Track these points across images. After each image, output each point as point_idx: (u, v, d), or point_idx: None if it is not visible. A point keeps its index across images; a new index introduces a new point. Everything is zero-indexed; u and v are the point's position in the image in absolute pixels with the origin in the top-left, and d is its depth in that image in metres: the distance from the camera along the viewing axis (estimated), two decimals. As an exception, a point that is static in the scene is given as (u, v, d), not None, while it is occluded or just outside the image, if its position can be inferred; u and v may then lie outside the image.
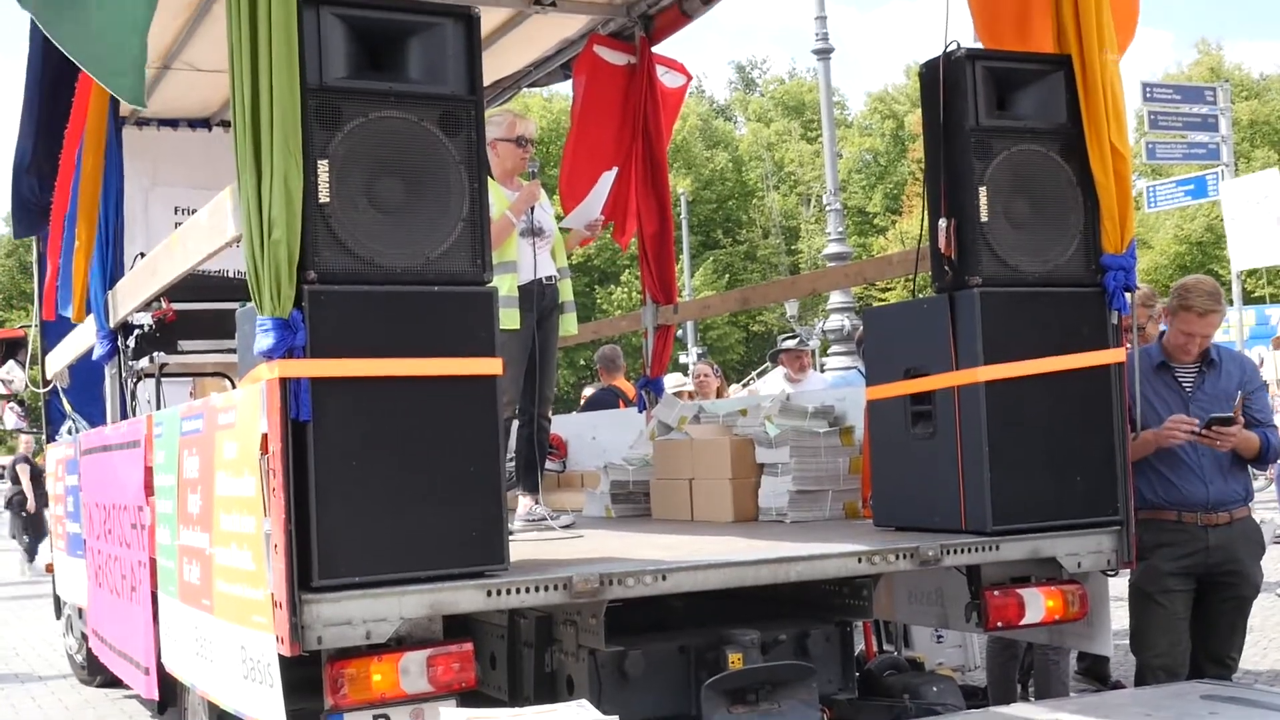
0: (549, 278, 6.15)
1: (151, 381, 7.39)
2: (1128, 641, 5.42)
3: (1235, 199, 11.13)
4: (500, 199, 5.72)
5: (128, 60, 3.92)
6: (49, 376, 8.52)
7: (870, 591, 4.81)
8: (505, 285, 5.56)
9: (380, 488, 3.80)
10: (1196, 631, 5.37)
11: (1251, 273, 40.96)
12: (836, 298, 20.90)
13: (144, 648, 5.19)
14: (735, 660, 4.41)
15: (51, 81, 6.67)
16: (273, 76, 3.70)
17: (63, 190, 6.80)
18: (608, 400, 10.54)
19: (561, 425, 8.60)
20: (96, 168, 6.06)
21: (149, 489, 5.10)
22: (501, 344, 4.07)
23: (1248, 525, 5.32)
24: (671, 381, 10.30)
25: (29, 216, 8.29)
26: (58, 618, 9.23)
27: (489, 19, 7.29)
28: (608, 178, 6.32)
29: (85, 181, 6.11)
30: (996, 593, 4.75)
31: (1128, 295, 4.83)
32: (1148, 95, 22.18)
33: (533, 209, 5.93)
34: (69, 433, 8.21)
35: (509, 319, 5.50)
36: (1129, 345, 5.04)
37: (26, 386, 10.73)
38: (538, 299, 5.98)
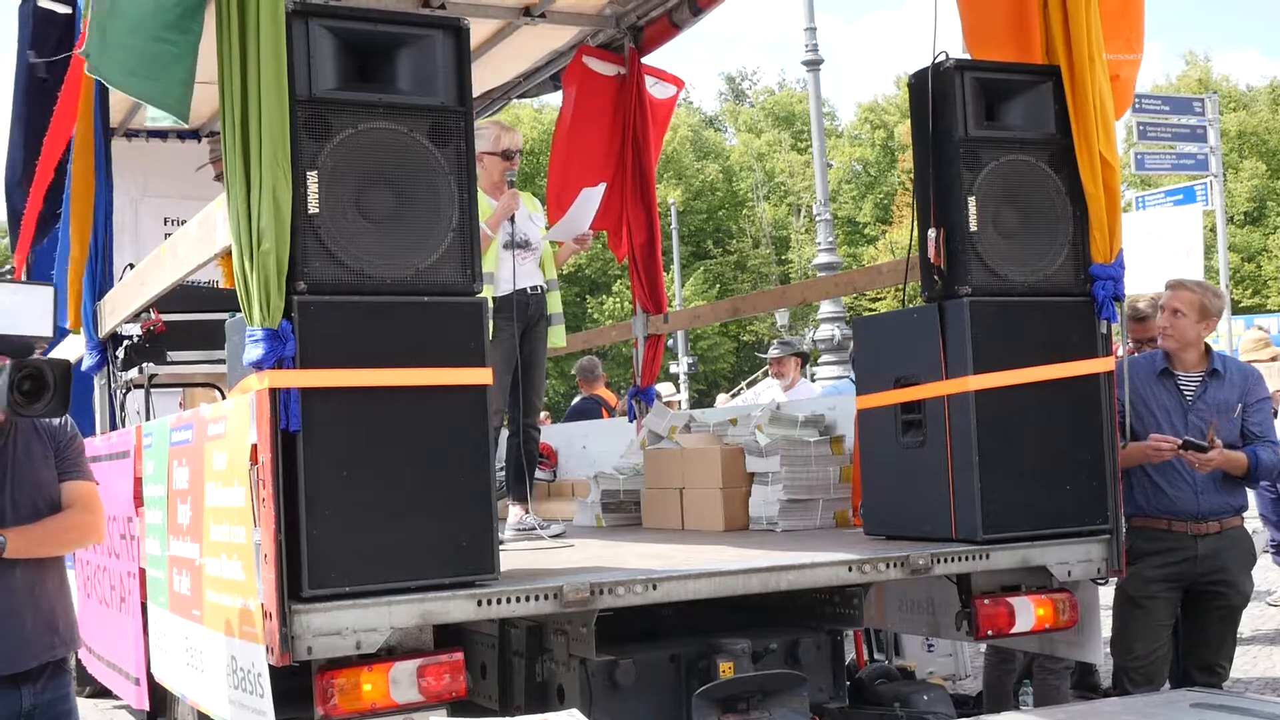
0: (534, 288, 6.15)
1: (141, 392, 7.37)
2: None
3: (1135, 230, 11.54)
4: (488, 211, 5.73)
5: (165, 73, 3.87)
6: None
7: (861, 600, 4.82)
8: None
9: (370, 498, 3.80)
10: (1186, 640, 5.39)
11: (1238, 282, 41.12)
12: (827, 307, 20.93)
13: (134, 658, 5.18)
14: (726, 669, 4.41)
15: (37, 92, 6.66)
16: (261, 88, 3.70)
17: (36, 196, 6.78)
18: (591, 409, 10.66)
19: (551, 435, 8.60)
20: (88, 179, 6.04)
21: (138, 500, 5.09)
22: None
23: (1238, 535, 5.33)
24: (661, 391, 10.32)
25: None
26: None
27: (478, 30, 7.31)
28: (595, 193, 6.31)
29: (76, 193, 6.09)
30: (987, 601, 4.75)
31: (1116, 305, 4.85)
32: (1136, 106, 22.22)
33: (513, 219, 5.93)
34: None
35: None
36: (1119, 354, 5.06)
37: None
38: (520, 309, 5.97)
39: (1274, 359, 8.20)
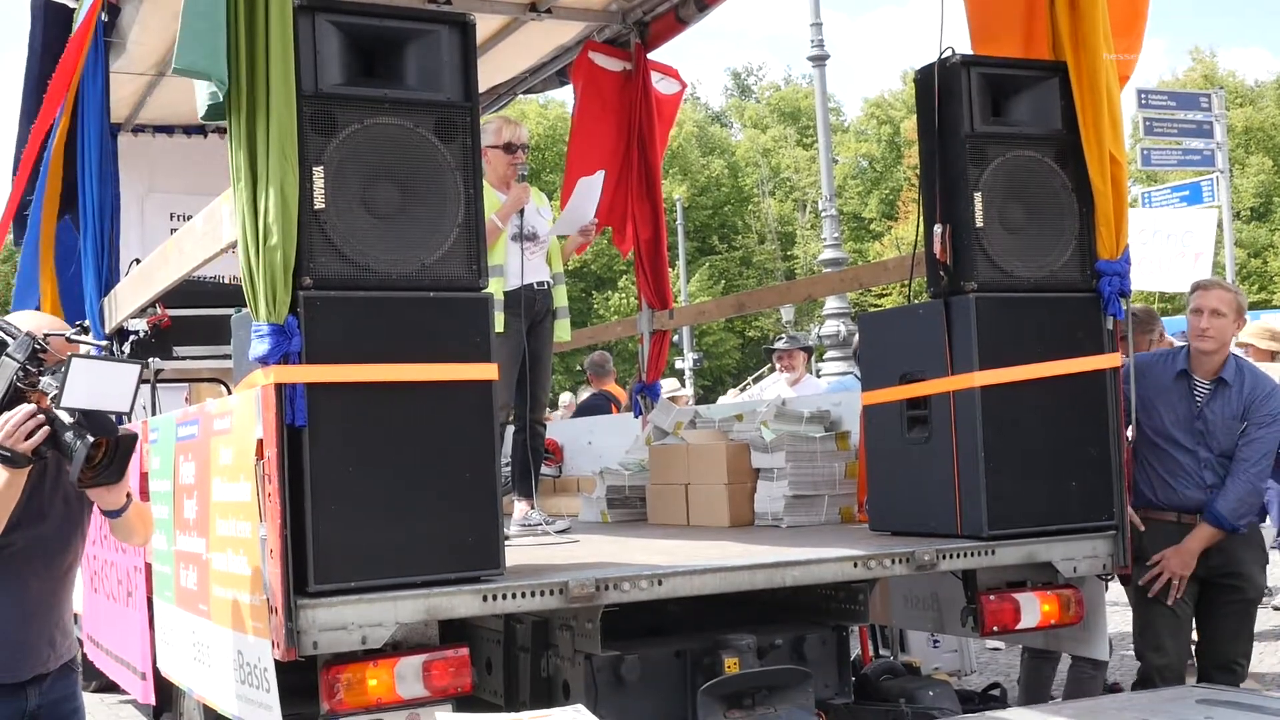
0: (541, 283, 6.15)
1: (147, 387, 7.39)
2: (1126, 643, 5.41)
3: (1144, 228, 11.46)
4: (495, 204, 5.73)
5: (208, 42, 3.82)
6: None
7: (866, 596, 4.81)
8: (492, 289, 5.57)
9: (376, 493, 3.80)
10: (1202, 637, 5.36)
11: (1244, 278, 41.05)
12: (832, 303, 20.91)
13: (140, 653, 5.18)
14: (731, 665, 4.41)
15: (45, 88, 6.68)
16: (269, 83, 3.70)
17: (18, 187, 6.81)
18: (600, 405, 10.61)
19: (557, 430, 8.60)
20: (58, 172, 6.05)
21: (144, 494, 5.09)
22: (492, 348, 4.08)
23: (1251, 531, 5.31)
24: (667, 386, 10.32)
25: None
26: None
27: (484, 26, 7.30)
28: (595, 181, 6.29)
29: (49, 183, 6.10)
30: (992, 597, 4.75)
31: (1122, 300, 4.84)
32: (1143, 102, 22.15)
33: (522, 213, 5.93)
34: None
35: (495, 322, 5.51)
36: (1124, 356, 5.03)
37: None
38: (527, 304, 5.98)
39: (1273, 357, 8.11)
